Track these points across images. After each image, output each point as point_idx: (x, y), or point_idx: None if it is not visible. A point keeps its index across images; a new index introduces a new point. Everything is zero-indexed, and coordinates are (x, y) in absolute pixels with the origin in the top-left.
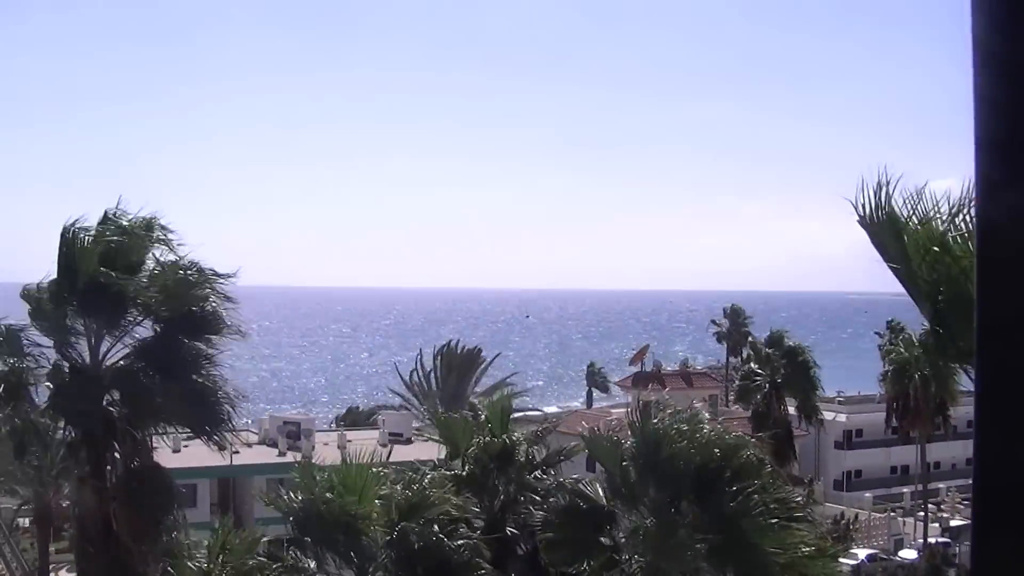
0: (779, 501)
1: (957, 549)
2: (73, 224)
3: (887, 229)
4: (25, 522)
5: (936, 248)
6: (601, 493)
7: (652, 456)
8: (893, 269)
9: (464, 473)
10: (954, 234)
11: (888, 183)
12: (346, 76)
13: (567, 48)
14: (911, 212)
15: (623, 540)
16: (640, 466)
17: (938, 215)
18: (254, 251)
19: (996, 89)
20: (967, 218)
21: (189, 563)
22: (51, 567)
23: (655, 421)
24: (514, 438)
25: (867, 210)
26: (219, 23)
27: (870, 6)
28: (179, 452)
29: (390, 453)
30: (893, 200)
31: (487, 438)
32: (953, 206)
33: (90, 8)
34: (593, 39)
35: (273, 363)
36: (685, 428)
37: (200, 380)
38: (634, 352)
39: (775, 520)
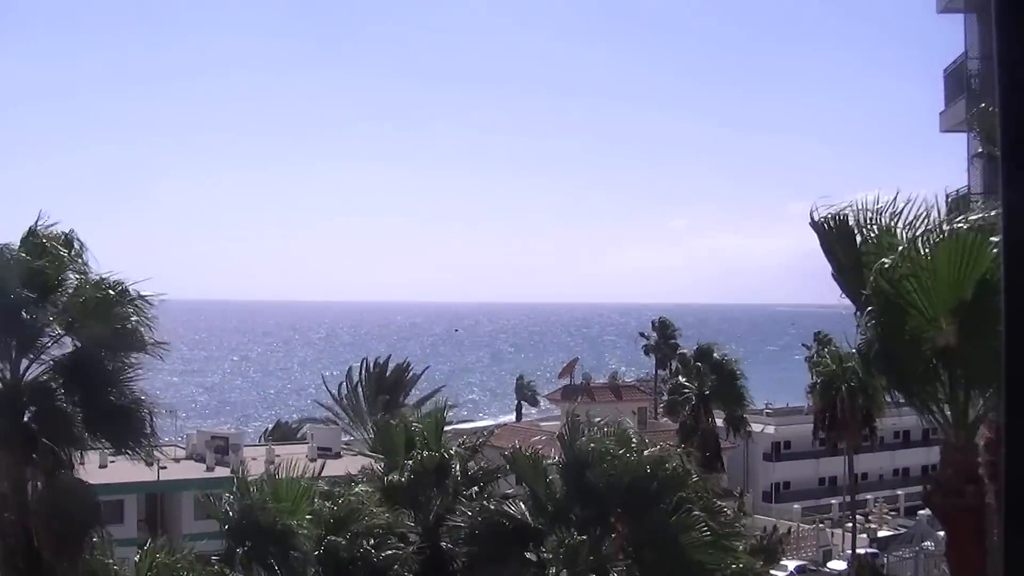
0: (708, 511)
1: (885, 560)
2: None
3: (841, 235)
4: None
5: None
6: (525, 511)
7: (579, 473)
8: (837, 277)
9: (402, 483)
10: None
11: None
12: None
13: (496, 50)
14: (868, 220)
15: (548, 557)
16: (567, 483)
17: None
18: (186, 265)
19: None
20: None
21: None
22: None
23: (582, 438)
24: (450, 452)
25: (822, 216)
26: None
27: (802, 15)
28: (105, 467)
29: (322, 468)
30: (850, 209)
31: (423, 452)
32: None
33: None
34: (521, 41)
35: (203, 377)
36: (612, 445)
37: (121, 395)
38: (564, 365)
39: (705, 534)
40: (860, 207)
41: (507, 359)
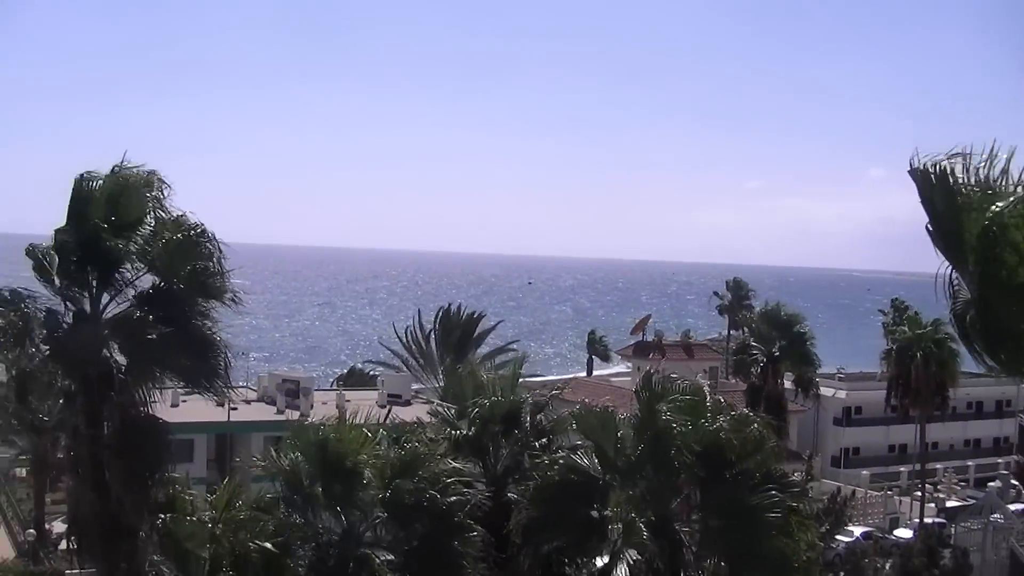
0: (780, 484)
1: (953, 530)
2: (84, 176)
3: (941, 183)
4: (22, 472)
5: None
6: (594, 464)
7: (653, 432)
8: (933, 227)
9: (469, 433)
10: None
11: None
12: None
13: (569, 16)
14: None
15: (610, 513)
16: (640, 440)
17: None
18: (276, 211)
19: None
20: None
21: (188, 518)
22: (46, 516)
23: (659, 398)
24: (520, 402)
25: (924, 166)
26: None
27: None
28: (177, 407)
29: (388, 413)
30: (952, 163)
31: (495, 398)
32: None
33: None
34: (594, 8)
35: (291, 322)
36: (688, 406)
37: (199, 334)
38: (636, 322)
39: (775, 512)
40: (965, 155)
41: (580, 314)
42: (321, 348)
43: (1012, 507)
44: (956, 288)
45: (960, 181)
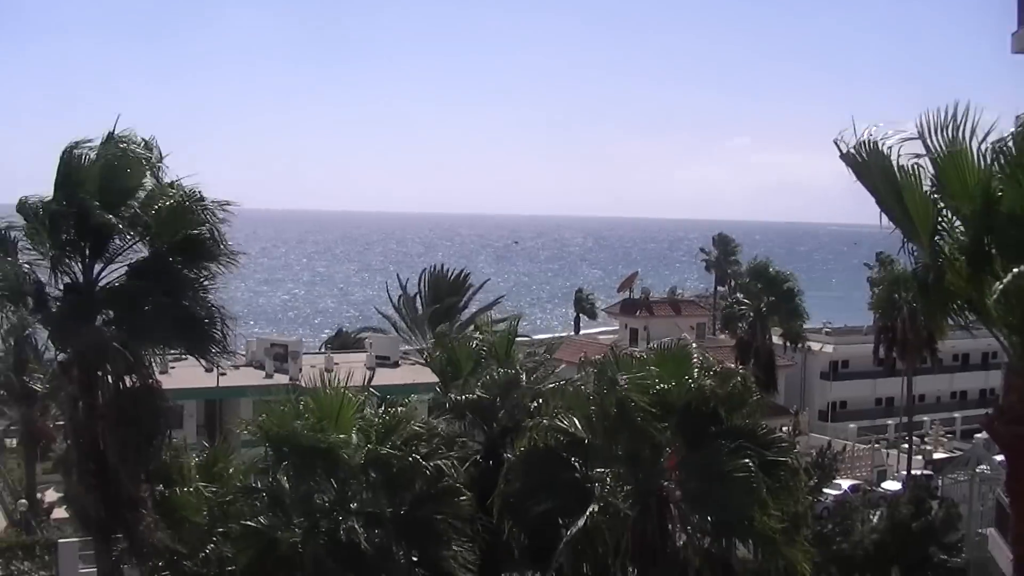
0: (763, 444)
1: (940, 482)
2: (75, 144)
3: (875, 162)
4: (12, 442)
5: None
6: (579, 427)
7: (620, 402)
8: (883, 207)
9: (464, 398)
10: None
11: (877, 126)
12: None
13: None
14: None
15: (595, 473)
16: (618, 403)
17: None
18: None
19: None
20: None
21: (184, 487)
22: (38, 486)
23: (619, 374)
24: (518, 366)
25: (854, 148)
26: None
27: None
28: (166, 373)
29: (371, 377)
30: (882, 142)
31: (494, 366)
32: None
33: None
34: None
35: (283, 287)
36: (659, 371)
37: (195, 302)
38: (623, 279)
39: (752, 475)
40: (890, 129)
41: (566, 271)
42: (311, 312)
43: (998, 458)
44: (915, 252)
45: (894, 158)
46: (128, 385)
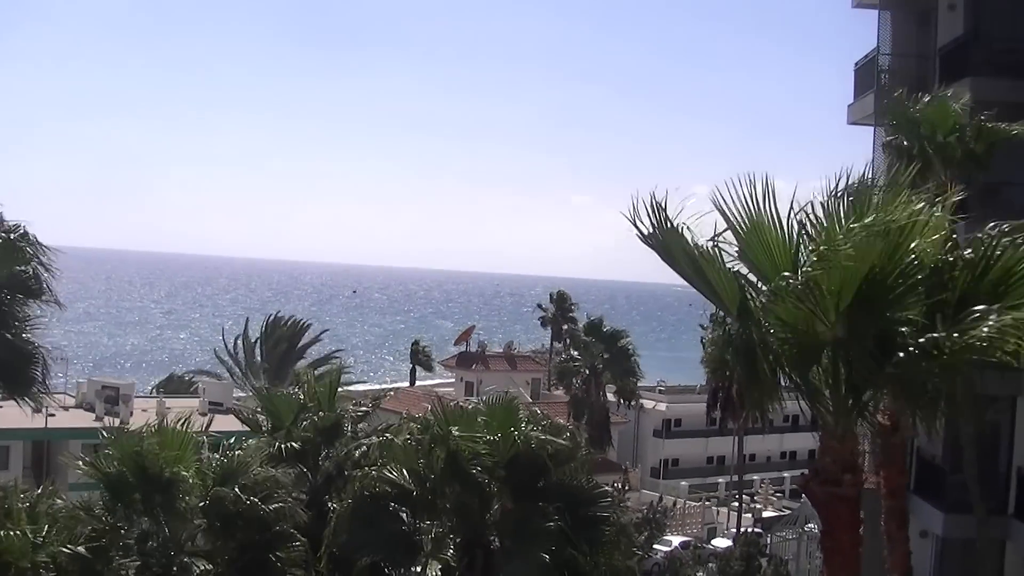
0: (594, 497)
1: (769, 539)
2: None
3: (673, 245)
4: None
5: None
6: (407, 479)
7: (448, 453)
8: (690, 283)
9: (286, 447)
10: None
11: (663, 201)
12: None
13: (397, 25)
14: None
15: (423, 527)
16: (446, 461)
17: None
18: (94, 213)
19: None
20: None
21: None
22: None
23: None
24: (341, 414)
25: (650, 225)
26: None
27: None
28: None
29: (210, 421)
30: (672, 216)
31: (316, 414)
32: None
33: None
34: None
35: (113, 327)
36: (484, 427)
37: (14, 341)
38: (460, 332)
39: (586, 526)
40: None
41: (404, 324)
42: (145, 355)
43: None
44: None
45: (692, 235)
46: None
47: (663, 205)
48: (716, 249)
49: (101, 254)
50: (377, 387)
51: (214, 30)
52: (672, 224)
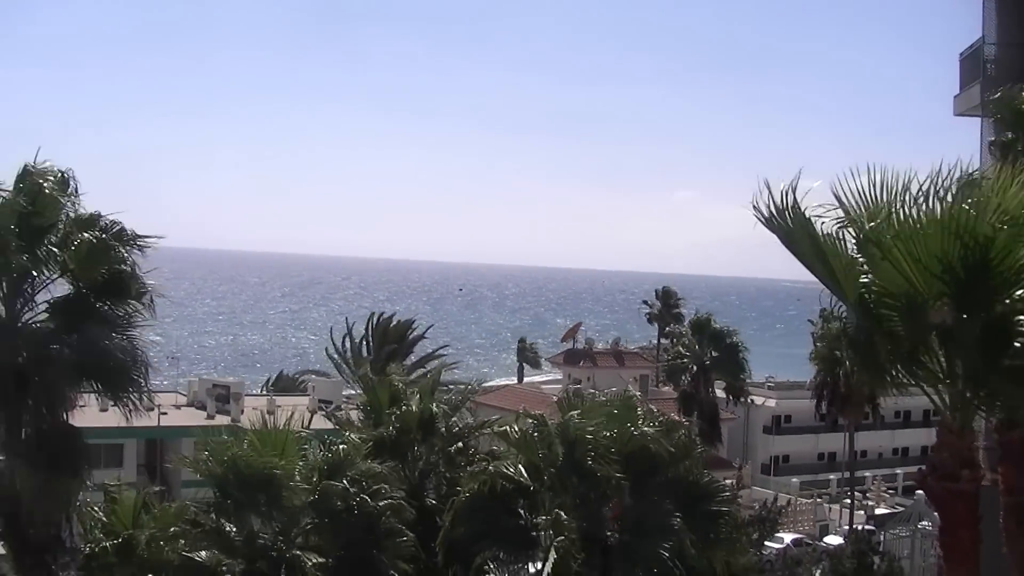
0: (710, 493)
1: (882, 537)
2: None
3: (798, 230)
4: None
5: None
6: (523, 473)
7: (572, 446)
8: (810, 270)
9: (385, 437)
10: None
11: (791, 185)
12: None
13: (500, 24)
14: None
15: (540, 521)
16: (565, 452)
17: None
18: (202, 214)
19: None
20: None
21: (104, 530)
22: None
23: (574, 415)
24: (434, 408)
25: (772, 211)
26: None
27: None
28: (106, 411)
29: (312, 418)
30: (799, 200)
31: (410, 406)
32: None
33: None
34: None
35: (214, 327)
36: (610, 418)
37: (115, 342)
38: (567, 329)
39: (703, 523)
40: (801, 186)
41: (511, 321)
42: (255, 355)
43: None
44: (844, 312)
45: (818, 223)
46: (47, 425)
47: (792, 188)
48: (839, 235)
49: (206, 254)
50: (485, 384)
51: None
52: (799, 208)
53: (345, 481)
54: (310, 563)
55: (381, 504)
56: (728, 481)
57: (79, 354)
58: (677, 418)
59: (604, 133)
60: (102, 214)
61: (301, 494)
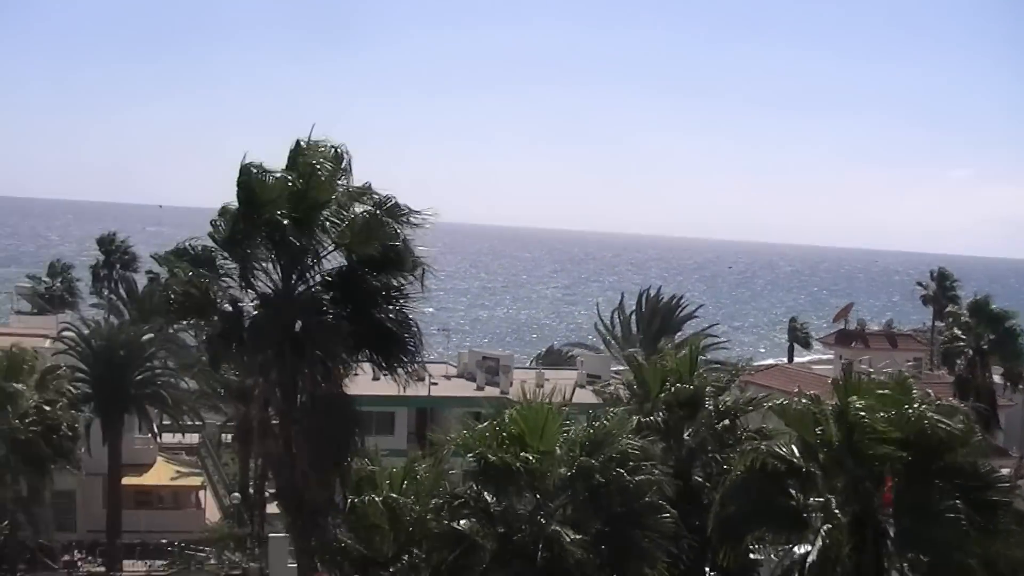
0: (988, 483)
1: None
2: (254, 165)
3: None
4: (227, 438)
5: None
6: (796, 453)
7: (850, 427)
8: None
9: (652, 418)
10: None
11: None
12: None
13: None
14: None
15: (812, 502)
16: (841, 432)
17: None
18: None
19: None
20: None
21: (373, 494)
22: (250, 481)
23: (854, 398)
24: (699, 385)
25: None
26: None
27: None
28: (378, 380)
29: (573, 392)
30: None
31: (677, 384)
32: None
33: None
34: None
35: (488, 300)
36: (889, 400)
37: (388, 314)
38: (839, 310)
39: (980, 514)
40: None
41: (785, 300)
42: (528, 328)
43: None
44: None
45: None
46: (321, 391)
47: None
48: None
49: (471, 229)
50: (756, 363)
51: None
52: None
53: (603, 458)
54: (568, 539)
55: (639, 479)
56: (1006, 471)
57: (354, 324)
58: (956, 403)
59: (882, 111)
60: (371, 187)
61: (560, 469)
